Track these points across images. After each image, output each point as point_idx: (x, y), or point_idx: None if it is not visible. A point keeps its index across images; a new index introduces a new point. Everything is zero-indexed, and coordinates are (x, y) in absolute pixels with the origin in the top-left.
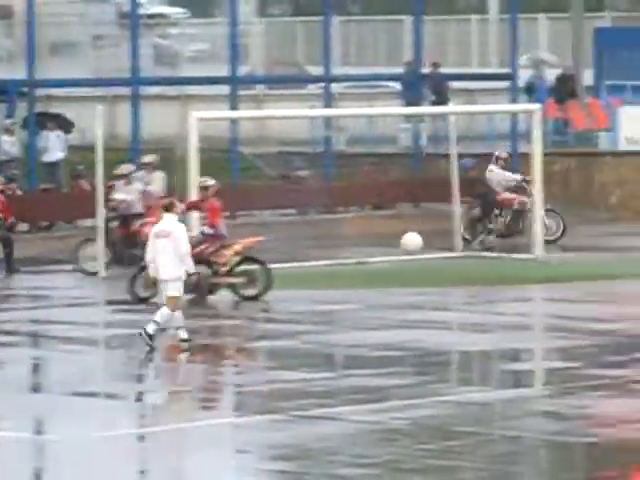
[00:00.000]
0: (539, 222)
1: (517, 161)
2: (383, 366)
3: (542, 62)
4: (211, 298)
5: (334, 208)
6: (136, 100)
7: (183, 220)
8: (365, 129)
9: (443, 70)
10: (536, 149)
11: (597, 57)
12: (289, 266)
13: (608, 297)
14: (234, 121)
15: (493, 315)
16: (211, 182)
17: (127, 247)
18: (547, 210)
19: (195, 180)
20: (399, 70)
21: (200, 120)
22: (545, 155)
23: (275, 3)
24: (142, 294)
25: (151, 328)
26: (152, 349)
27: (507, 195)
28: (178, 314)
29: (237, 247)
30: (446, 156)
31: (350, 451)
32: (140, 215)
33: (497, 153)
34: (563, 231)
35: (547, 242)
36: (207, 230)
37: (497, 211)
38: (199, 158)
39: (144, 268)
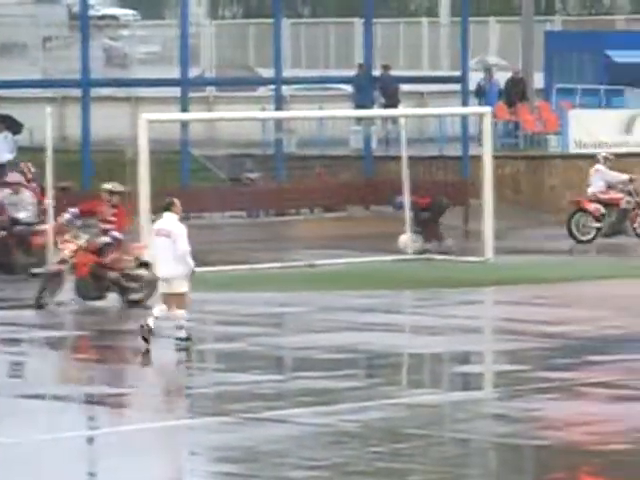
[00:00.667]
0: (488, 224)
1: (467, 164)
2: (333, 368)
3: (492, 65)
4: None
5: (284, 210)
6: (86, 101)
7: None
8: (316, 131)
9: (394, 73)
10: (486, 152)
11: (547, 60)
12: (239, 268)
13: (557, 300)
14: (184, 123)
15: (443, 318)
16: (120, 188)
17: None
18: None
19: (145, 182)
20: (350, 73)
21: (150, 122)
22: (495, 158)
23: (226, 5)
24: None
25: (182, 334)
26: (147, 343)
27: (614, 194)
28: (181, 313)
29: (133, 252)
30: (397, 159)
31: (299, 454)
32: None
33: (604, 154)
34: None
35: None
36: (118, 235)
37: (604, 210)
38: (149, 160)
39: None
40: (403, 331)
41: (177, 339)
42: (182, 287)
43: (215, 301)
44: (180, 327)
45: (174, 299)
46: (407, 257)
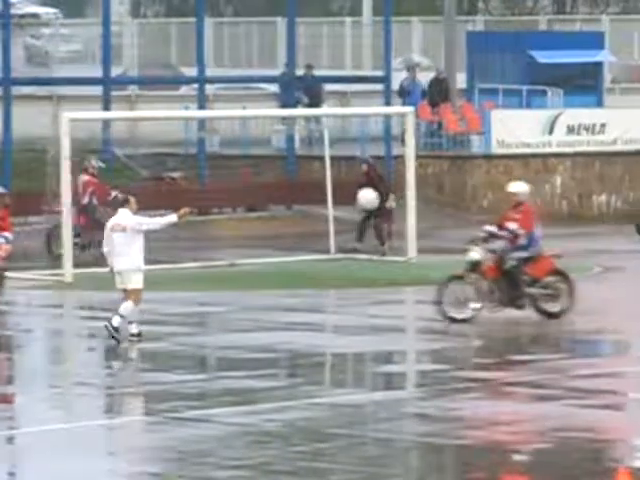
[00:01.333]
0: (411, 224)
1: (390, 164)
2: (256, 368)
3: (415, 65)
4: None
5: (207, 210)
6: (7, 100)
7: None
8: (239, 131)
9: (317, 72)
10: (409, 152)
11: (470, 61)
12: (162, 268)
13: None
14: (107, 122)
15: (366, 317)
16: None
17: None
18: None
19: (67, 181)
20: (273, 72)
21: (72, 121)
22: (418, 158)
23: (148, 4)
24: None
25: (116, 321)
26: (118, 342)
27: None
28: (135, 308)
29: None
30: (320, 158)
31: (223, 453)
32: None
33: None
34: None
35: None
36: (9, 236)
37: None
38: (71, 159)
39: None
40: (325, 331)
41: (131, 335)
42: (138, 283)
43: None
44: (131, 322)
45: (129, 294)
46: (330, 257)
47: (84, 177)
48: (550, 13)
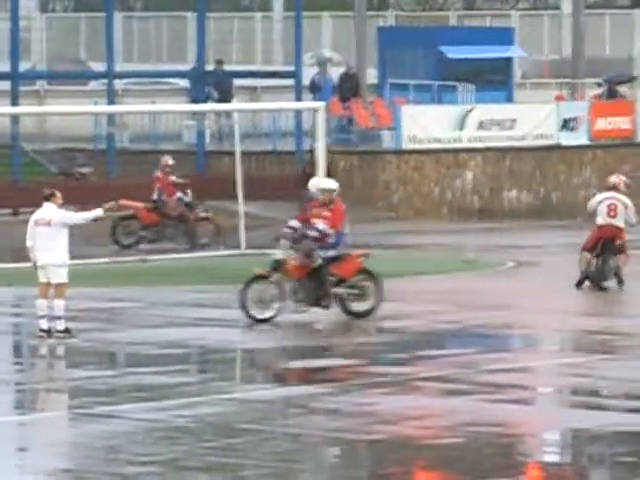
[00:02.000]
0: None
1: (302, 159)
2: (165, 364)
3: (326, 60)
4: None
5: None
6: None
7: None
8: (149, 126)
9: (227, 67)
10: (320, 147)
11: (380, 56)
12: (71, 263)
13: (391, 295)
14: (15, 117)
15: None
16: None
17: None
18: None
19: None
20: (183, 67)
21: None
22: (329, 153)
23: None
24: None
25: (61, 325)
26: (72, 337)
27: None
28: (62, 303)
29: None
30: (230, 154)
31: (132, 449)
32: None
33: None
34: None
35: None
36: None
37: None
38: None
39: None
40: (236, 326)
41: (62, 330)
42: (62, 277)
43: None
44: (59, 317)
45: (54, 289)
46: (240, 252)
47: (157, 173)
48: (460, 9)
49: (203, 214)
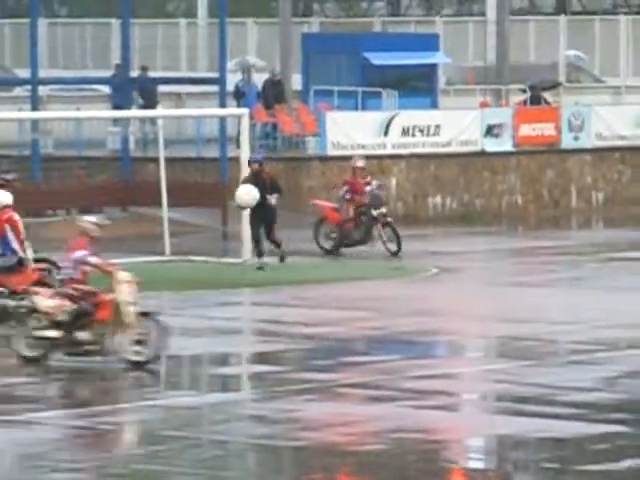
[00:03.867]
0: (246, 226)
1: (225, 165)
2: (92, 371)
3: (250, 66)
4: None
5: (41, 211)
6: None
7: None
8: (73, 132)
9: (152, 74)
10: (244, 153)
11: (305, 62)
12: None
13: (316, 301)
14: None
15: (202, 319)
16: None
17: None
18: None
19: None
20: (107, 73)
21: None
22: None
23: None
24: None
25: None
26: None
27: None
28: None
29: None
30: (155, 160)
31: (57, 456)
32: None
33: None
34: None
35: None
36: None
37: None
38: None
39: None
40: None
41: None
42: None
43: None
44: None
45: None
46: (165, 258)
47: (347, 177)
48: (384, 15)
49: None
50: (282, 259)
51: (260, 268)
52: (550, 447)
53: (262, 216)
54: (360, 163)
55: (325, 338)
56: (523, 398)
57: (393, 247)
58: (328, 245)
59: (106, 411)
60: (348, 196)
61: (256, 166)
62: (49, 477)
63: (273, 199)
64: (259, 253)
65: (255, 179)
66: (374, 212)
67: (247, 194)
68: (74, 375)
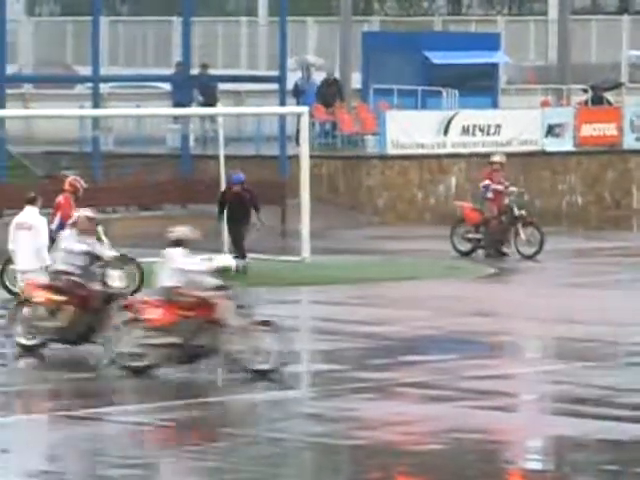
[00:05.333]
0: (305, 224)
1: (285, 163)
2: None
3: (310, 65)
4: None
5: (101, 208)
6: None
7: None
8: (133, 130)
9: (212, 71)
10: (303, 152)
11: (365, 61)
12: None
13: (374, 300)
14: (1, 120)
15: (261, 317)
16: None
17: None
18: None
19: None
20: (168, 71)
21: None
22: (313, 158)
23: (44, 2)
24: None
25: None
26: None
27: None
28: None
29: None
30: (214, 157)
31: (114, 452)
32: None
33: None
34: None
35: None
36: None
37: None
38: None
39: None
40: None
41: None
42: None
43: None
44: None
45: None
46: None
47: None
48: (445, 14)
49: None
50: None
51: (242, 271)
52: (609, 449)
53: (239, 227)
54: (498, 158)
55: (383, 337)
56: (582, 399)
57: (527, 250)
58: (464, 247)
59: (164, 407)
60: (490, 195)
61: (237, 188)
62: (108, 473)
63: (259, 225)
64: (243, 255)
65: (236, 199)
66: (517, 212)
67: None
68: (132, 372)
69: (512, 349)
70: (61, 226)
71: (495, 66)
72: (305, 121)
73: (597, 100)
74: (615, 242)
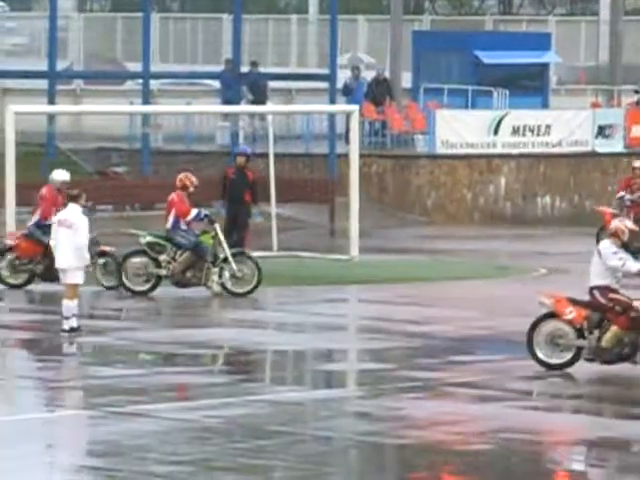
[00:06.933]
0: (354, 223)
1: (334, 162)
2: (197, 364)
3: (360, 63)
4: None
5: (151, 205)
6: None
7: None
8: (183, 127)
9: (262, 69)
10: (353, 150)
11: (415, 60)
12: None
13: (423, 299)
14: (51, 116)
15: (308, 315)
16: None
17: None
18: None
19: (11, 175)
20: (218, 68)
21: (17, 114)
22: (362, 156)
23: None
24: None
25: (69, 324)
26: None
27: None
28: (74, 303)
29: None
30: (264, 155)
31: (162, 449)
32: None
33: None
34: None
35: None
36: None
37: None
38: (16, 152)
39: None
40: (268, 328)
41: (68, 329)
42: (77, 278)
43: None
44: (68, 318)
45: (68, 289)
46: (272, 254)
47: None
48: (496, 13)
49: None
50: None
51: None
52: None
53: (233, 223)
54: (639, 164)
55: (432, 336)
56: (631, 400)
57: None
58: None
59: (212, 405)
60: (628, 203)
61: (242, 160)
62: (154, 469)
63: (258, 216)
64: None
65: (238, 174)
66: None
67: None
68: (182, 368)
69: None
70: (176, 223)
71: (546, 66)
72: (355, 120)
73: None
74: None
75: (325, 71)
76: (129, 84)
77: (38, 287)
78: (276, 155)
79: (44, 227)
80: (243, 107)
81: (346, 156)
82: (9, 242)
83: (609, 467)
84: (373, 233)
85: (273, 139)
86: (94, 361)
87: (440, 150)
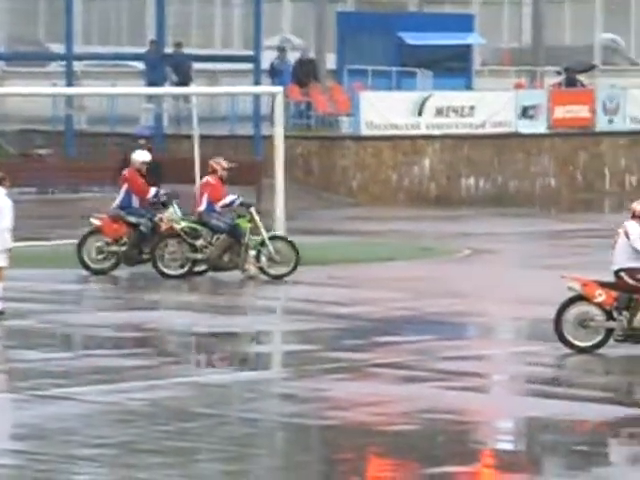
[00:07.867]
0: (280, 204)
1: (259, 143)
2: (122, 347)
3: (289, 44)
4: None
5: (75, 187)
6: None
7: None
8: (107, 108)
9: (186, 50)
10: (278, 132)
11: (339, 41)
12: (30, 245)
13: (349, 281)
14: None
15: (234, 296)
16: None
17: None
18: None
19: None
20: (142, 49)
21: None
22: (287, 138)
23: None
24: None
25: None
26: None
27: None
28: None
29: None
30: (188, 137)
31: (86, 431)
32: None
33: None
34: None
35: None
36: None
37: None
38: None
39: None
40: (194, 310)
41: None
42: (3, 261)
43: (9, 278)
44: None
45: None
46: None
47: None
48: None
49: None
50: None
51: None
52: (579, 429)
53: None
54: None
55: (357, 318)
56: (553, 380)
57: None
58: None
59: (137, 387)
60: None
61: (143, 142)
62: (78, 452)
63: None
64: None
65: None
66: None
67: None
68: (107, 351)
69: (485, 330)
70: (210, 206)
71: (469, 47)
72: (280, 101)
73: (570, 82)
74: (587, 224)
75: (250, 52)
76: (53, 66)
77: None
78: (201, 137)
79: None
80: (167, 89)
81: (271, 137)
82: None
83: (534, 446)
84: (299, 215)
85: (197, 120)
86: (18, 344)
87: (365, 132)
